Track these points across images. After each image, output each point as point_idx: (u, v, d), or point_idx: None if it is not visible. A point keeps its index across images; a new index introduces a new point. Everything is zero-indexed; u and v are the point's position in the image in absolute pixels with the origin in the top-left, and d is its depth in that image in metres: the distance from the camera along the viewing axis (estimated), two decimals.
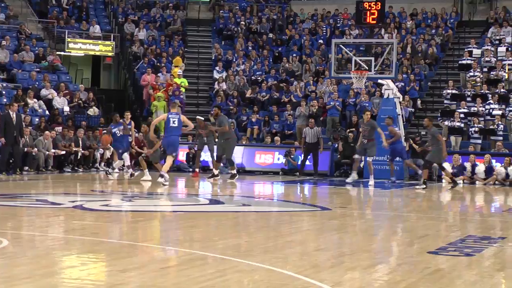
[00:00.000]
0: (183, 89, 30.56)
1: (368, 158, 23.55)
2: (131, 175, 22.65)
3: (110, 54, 35.38)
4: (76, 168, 25.76)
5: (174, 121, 20.77)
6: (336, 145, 27.36)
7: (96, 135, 27.28)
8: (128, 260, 8.55)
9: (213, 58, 35.14)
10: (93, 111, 30.13)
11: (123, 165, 23.48)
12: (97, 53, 35.38)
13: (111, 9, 38.59)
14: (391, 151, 23.95)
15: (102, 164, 26.84)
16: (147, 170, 22.38)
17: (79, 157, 26.07)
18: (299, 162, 26.58)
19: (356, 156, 23.77)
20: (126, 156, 23.06)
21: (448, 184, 22.49)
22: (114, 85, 36.92)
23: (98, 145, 26.83)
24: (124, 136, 23.13)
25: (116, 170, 24.33)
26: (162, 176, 20.25)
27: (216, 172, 23.07)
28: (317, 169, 26.01)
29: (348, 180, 23.22)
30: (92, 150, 26.67)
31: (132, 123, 24.36)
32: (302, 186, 22.39)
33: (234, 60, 34.29)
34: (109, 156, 26.91)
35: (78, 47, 34.59)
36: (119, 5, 38.46)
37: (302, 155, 26.48)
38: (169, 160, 20.91)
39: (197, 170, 24.60)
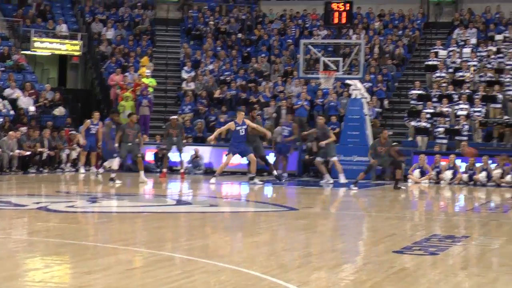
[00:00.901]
0: (151, 89, 30.48)
1: (332, 159, 23.65)
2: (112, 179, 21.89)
3: (77, 53, 35.14)
4: (41, 169, 25.50)
5: (242, 131, 21.64)
6: (304, 145, 27.41)
7: (62, 136, 27.10)
8: (93, 262, 8.51)
9: (182, 58, 35.07)
10: (59, 111, 29.93)
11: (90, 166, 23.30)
12: (64, 53, 35.13)
13: (78, 8, 38.36)
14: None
15: (68, 164, 26.65)
16: (143, 171, 22.02)
17: (44, 157, 25.83)
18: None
19: (318, 159, 23.89)
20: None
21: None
22: (81, 84, 36.70)
23: (64, 145, 26.65)
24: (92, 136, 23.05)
25: (83, 170, 24.29)
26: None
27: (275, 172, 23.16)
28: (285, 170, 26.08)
29: (323, 182, 23.31)
30: (58, 151, 26.48)
31: (100, 123, 24.28)
32: (270, 187, 22.41)
33: (202, 60, 34.24)
34: (75, 157, 26.76)
35: (44, 46, 34.32)
36: (86, 4, 38.25)
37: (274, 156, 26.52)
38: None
39: (164, 170, 24.51)
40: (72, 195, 18.32)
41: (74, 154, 26.72)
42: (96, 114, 23.76)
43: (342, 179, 23.05)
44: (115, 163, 21.55)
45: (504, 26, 33.68)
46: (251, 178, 21.91)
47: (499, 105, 28.27)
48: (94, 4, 38.47)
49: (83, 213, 14.34)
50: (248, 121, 21.96)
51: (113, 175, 21.12)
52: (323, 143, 23.61)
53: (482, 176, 24.52)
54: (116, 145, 22.08)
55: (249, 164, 22.82)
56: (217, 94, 31.59)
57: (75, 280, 7.61)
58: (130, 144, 21.94)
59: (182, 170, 24.38)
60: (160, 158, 27.55)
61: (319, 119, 24.65)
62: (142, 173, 21.88)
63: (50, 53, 34.92)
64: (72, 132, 27.48)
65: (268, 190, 21.26)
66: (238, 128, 21.62)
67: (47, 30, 35.07)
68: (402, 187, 21.64)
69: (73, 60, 35.92)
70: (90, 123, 24.81)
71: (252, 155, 21.94)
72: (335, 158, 23.63)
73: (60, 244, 9.80)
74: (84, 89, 36.09)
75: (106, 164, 21.97)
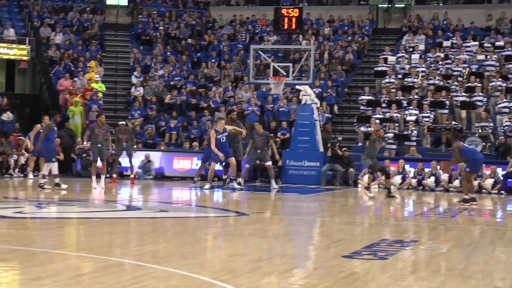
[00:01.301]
0: (100, 94, 30.32)
1: (267, 163, 23.72)
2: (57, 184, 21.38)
3: (25, 58, 34.78)
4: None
5: (223, 138, 21.69)
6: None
7: (10, 141, 26.80)
8: (41, 268, 8.42)
9: (131, 63, 34.92)
10: (7, 116, 29.58)
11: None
12: (12, 57, 34.75)
13: (26, 12, 37.99)
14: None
15: (16, 170, 26.37)
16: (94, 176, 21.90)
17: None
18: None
19: (247, 165, 23.93)
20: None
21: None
22: (29, 89, 36.30)
23: (12, 150, 26.35)
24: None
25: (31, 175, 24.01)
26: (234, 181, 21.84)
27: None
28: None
29: (274, 186, 23.36)
30: (6, 156, 26.18)
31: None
32: (220, 192, 22.39)
33: (152, 65, 34.14)
34: (23, 162, 26.49)
35: None
36: (34, 9, 37.91)
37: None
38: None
39: (114, 176, 24.36)
40: (21, 200, 18.12)
41: (22, 160, 26.46)
42: (46, 119, 23.42)
43: (273, 185, 23.12)
44: (54, 167, 21.14)
45: (452, 33, 34.10)
46: (231, 181, 21.91)
47: (447, 111, 28.62)
48: (42, 9, 38.14)
49: (31, 219, 14.18)
50: (228, 127, 21.98)
51: (56, 180, 20.79)
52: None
53: (430, 181, 24.81)
54: (85, 143, 21.89)
55: (226, 166, 23.03)
56: (167, 99, 31.50)
57: (23, 287, 7.52)
58: (100, 145, 21.85)
59: (132, 176, 24.25)
60: (110, 163, 27.38)
61: (256, 125, 24.69)
62: (99, 178, 21.86)
63: None
64: (20, 137, 27.20)
65: (219, 195, 21.24)
66: (219, 136, 21.60)
67: None
68: (396, 196, 21.46)
69: (21, 65, 35.53)
70: (40, 128, 24.40)
71: (233, 159, 21.96)
72: (269, 163, 23.73)
73: (8, 250, 9.67)
74: (32, 94, 35.72)
75: (44, 172, 21.28)
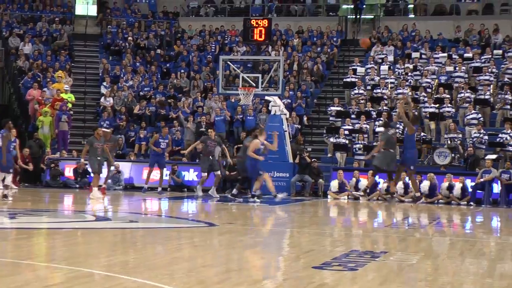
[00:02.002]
0: (70, 104, 30.19)
1: (218, 172, 24.04)
2: (5, 196, 21.11)
3: None
4: None
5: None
6: (224, 162, 27.43)
7: None
8: (10, 279, 8.36)
9: (101, 73, 34.81)
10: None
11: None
12: None
13: None
14: None
15: None
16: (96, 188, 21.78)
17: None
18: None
19: (204, 174, 24.04)
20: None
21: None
22: None
23: None
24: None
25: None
26: (253, 196, 21.85)
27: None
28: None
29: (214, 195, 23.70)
30: None
31: (17, 140, 23.78)
32: (190, 203, 22.36)
33: (122, 75, 34.05)
34: None
35: None
36: (3, 19, 37.70)
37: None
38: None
39: (104, 186, 24.15)
40: None
41: None
42: (13, 131, 23.10)
43: (214, 193, 23.76)
44: (9, 178, 20.81)
45: (420, 44, 34.34)
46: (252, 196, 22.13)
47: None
48: (11, 19, 37.92)
49: (1, 229, 14.07)
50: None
51: (6, 191, 20.40)
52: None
53: (399, 191, 24.90)
54: (82, 160, 21.61)
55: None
56: (136, 110, 31.42)
57: None
58: (99, 158, 21.78)
59: (103, 186, 24.13)
60: (80, 173, 27.27)
61: (209, 131, 24.89)
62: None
63: None
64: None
65: (189, 206, 21.20)
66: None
67: None
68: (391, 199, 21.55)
69: None
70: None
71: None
72: (218, 172, 24.11)
73: None
74: (1, 104, 35.46)
75: (6, 182, 20.82)
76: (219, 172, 24.31)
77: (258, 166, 21.86)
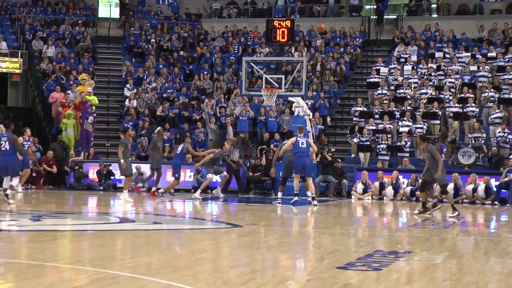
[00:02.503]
0: (93, 107, 30.34)
1: (225, 173, 24.75)
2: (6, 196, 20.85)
3: (17, 71, 34.80)
4: None
5: (303, 143, 21.57)
6: (248, 162, 27.47)
7: None
8: (35, 281, 8.39)
9: (124, 75, 34.92)
10: (0, 129, 29.51)
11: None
12: (4, 70, 34.76)
13: (18, 25, 38.00)
14: None
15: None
16: (126, 191, 21.73)
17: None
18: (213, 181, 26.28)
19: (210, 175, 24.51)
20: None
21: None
22: (22, 102, 36.30)
23: None
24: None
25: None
26: (314, 199, 21.51)
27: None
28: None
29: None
30: None
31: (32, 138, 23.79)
32: (213, 204, 22.38)
33: (145, 77, 34.14)
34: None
35: None
36: (26, 22, 37.92)
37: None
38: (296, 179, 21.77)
39: (153, 189, 24.30)
40: (14, 213, 18.05)
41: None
42: (28, 131, 23.10)
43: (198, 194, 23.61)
44: (15, 180, 20.80)
45: (444, 44, 34.19)
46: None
47: (439, 122, 28.67)
48: (34, 22, 38.14)
49: (25, 232, 14.14)
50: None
51: (9, 191, 20.29)
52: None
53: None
54: (122, 161, 21.53)
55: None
56: (159, 111, 31.49)
57: None
58: (130, 159, 22.00)
59: (153, 189, 24.41)
60: (104, 175, 27.38)
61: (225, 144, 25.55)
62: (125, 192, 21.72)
63: None
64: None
65: (213, 208, 21.21)
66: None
67: None
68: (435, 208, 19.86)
69: (14, 78, 35.54)
70: (23, 140, 24.01)
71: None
72: (210, 176, 24.27)
73: (2, 263, 9.65)
74: (25, 107, 35.71)
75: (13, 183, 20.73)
76: (225, 173, 24.41)
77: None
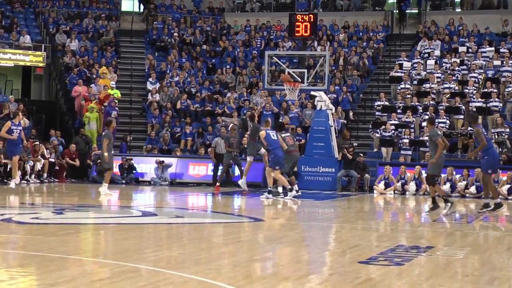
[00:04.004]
0: (116, 101, 30.45)
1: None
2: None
3: (41, 64, 34.96)
4: (5, 181, 25.23)
5: (274, 135, 21.38)
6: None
7: (27, 147, 26.88)
8: (58, 274, 8.44)
9: (147, 69, 34.99)
10: (23, 122, 29.65)
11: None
12: (28, 64, 34.92)
13: (41, 19, 38.17)
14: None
15: (33, 176, 26.46)
16: (107, 184, 21.48)
17: (8, 169, 25.53)
18: (236, 174, 26.19)
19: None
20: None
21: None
22: (45, 96, 36.50)
23: (28, 156, 26.43)
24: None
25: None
26: (270, 192, 21.25)
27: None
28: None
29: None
30: (22, 162, 26.26)
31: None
32: (236, 198, 22.39)
33: (167, 71, 34.19)
34: (40, 168, 26.57)
35: (7, 58, 34.08)
36: (50, 15, 38.08)
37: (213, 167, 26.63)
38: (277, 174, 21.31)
39: (218, 184, 24.30)
40: (37, 206, 18.18)
41: (38, 166, 26.54)
42: (20, 114, 22.79)
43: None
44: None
45: (467, 38, 34.00)
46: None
47: (462, 117, 28.53)
48: (58, 15, 38.29)
49: (48, 225, 14.21)
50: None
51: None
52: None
53: (446, 187, 24.69)
54: (106, 154, 21.41)
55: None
56: (178, 105, 31.53)
57: None
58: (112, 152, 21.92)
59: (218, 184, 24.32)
60: (126, 169, 27.45)
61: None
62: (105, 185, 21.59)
63: (13, 64, 34.66)
64: (36, 143, 27.28)
65: (234, 201, 21.24)
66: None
67: (10, 41, 34.84)
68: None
69: (37, 71, 35.72)
70: (11, 124, 23.30)
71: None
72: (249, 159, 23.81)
73: (25, 256, 9.72)
74: (48, 100, 35.89)
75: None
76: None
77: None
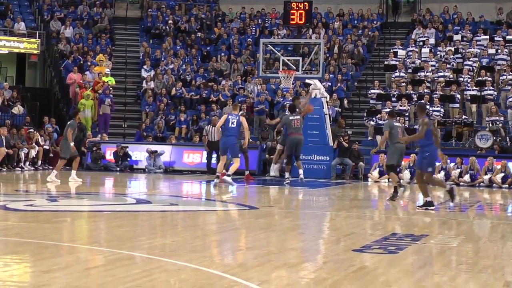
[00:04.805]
0: (110, 88, 30.41)
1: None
2: None
3: (35, 51, 34.87)
4: None
5: (233, 121, 21.03)
6: (264, 145, 27.47)
7: (21, 134, 26.88)
8: (52, 261, 8.44)
9: (141, 56, 34.93)
10: (17, 109, 29.68)
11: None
12: (22, 51, 34.83)
13: (36, 6, 38.04)
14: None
15: (27, 163, 26.44)
16: (57, 172, 21.11)
17: (3, 156, 25.51)
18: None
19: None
20: None
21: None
22: (39, 83, 36.42)
23: (22, 144, 26.40)
24: None
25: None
26: (227, 176, 21.02)
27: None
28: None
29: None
30: (17, 149, 26.25)
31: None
32: (230, 185, 22.39)
33: (162, 59, 34.14)
34: (34, 155, 26.55)
35: (2, 44, 34.00)
36: (44, 2, 37.95)
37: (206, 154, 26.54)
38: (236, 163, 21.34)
39: (247, 172, 23.72)
40: (31, 193, 18.16)
41: (33, 153, 26.52)
42: None
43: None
44: None
45: (462, 26, 34.00)
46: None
47: (457, 105, 28.56)
48: (52, 2, 38.16)
49: (42, 212, 14.20)
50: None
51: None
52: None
53: (440, 175, 24.73)
54: (72, 144, 21.25)
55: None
56: (173, 92, 31.50)
57: (34, 279, 7.54)
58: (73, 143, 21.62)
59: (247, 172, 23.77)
60: (121, 156, 27.43)
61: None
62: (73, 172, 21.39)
63: (7, 51, 34.56)
64: (30, 130, 27.26)
65: (229, 189, 21.23)
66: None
67: (5, 28, 34.74)
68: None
69: (32, 58, 35.63)
70: None
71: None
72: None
73: (19, 243, 9.71)
74: (43, 87, 35.82)
75: None
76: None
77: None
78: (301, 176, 21.87)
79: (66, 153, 21.32)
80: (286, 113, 23.01)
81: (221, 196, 19.35)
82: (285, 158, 22.60)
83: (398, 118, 27.64)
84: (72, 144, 21.11)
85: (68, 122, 21.62)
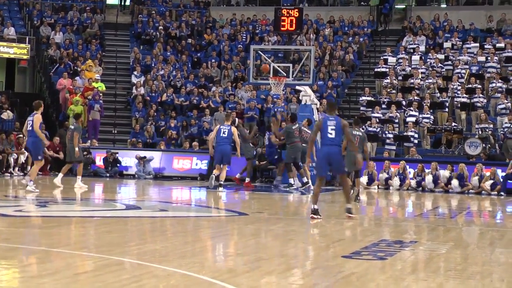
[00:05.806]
0: (100, 94, 30.38)
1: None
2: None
3: (25, 57, 34.79)
4: None
5: (225, 131, 21.45)
6: (255, 151, 27.43)
7: (10, 139, 26.81)
8: (41, 266, 8.43)
9: (131, 62, 34.90)
10: (7, 115, 29.61)
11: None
12: (12, 56, 34.74)
13: (26, 11, 37.98)
14: None
15: (16, 169, 26.37)
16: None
17: None
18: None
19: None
20: None
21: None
22: (29, 88, 36.32)
23: (12, 149, 26.33)
24: None
25: None
26: (221, 185, 21.31)
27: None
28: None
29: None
30: (6, 155, 26.18)
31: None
32: (220, 192, 22.38)
33: (152, 65, 34.12)
34: (23, 161, 26.48)
35: None
36: (34, 7, 37.90)
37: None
38: (224, 170, 21.65)
39: (247, 180, 24.13)
40: (21, 199, 18.11)
41: (22, 158, 26.46)
42: None
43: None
44: None
45: (452, 34, 34.08)
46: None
47: (447, 112, 28.64)
48: (42, 8, 38.11)
49: (31, 218, 14.18)
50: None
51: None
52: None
53: (428, 180, 24.77)
54: (77, 149, 21.13)
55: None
56: (163, 98, 31.49)
57: (23, 284, 7.53)
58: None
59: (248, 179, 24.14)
60: (110, 162, 27.39)
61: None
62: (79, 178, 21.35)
63: None
64: (20, 136, 27.19)
65: (219, 195, 21.22)
66: None
67: None
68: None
69: (21, 63, 35.54)
70: None
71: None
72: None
73: (8, 249, 9.68)
74: (32, 93, 35.71)
75: None
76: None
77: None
78: (296, 184, 22.44)
79: (72, 157, 21.37)
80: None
81: (211, 202, 19.34)
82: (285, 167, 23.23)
83: (388, 125, 27.77)
84: (77, 149, 21.12)
85: (72, 126, 21.62)
